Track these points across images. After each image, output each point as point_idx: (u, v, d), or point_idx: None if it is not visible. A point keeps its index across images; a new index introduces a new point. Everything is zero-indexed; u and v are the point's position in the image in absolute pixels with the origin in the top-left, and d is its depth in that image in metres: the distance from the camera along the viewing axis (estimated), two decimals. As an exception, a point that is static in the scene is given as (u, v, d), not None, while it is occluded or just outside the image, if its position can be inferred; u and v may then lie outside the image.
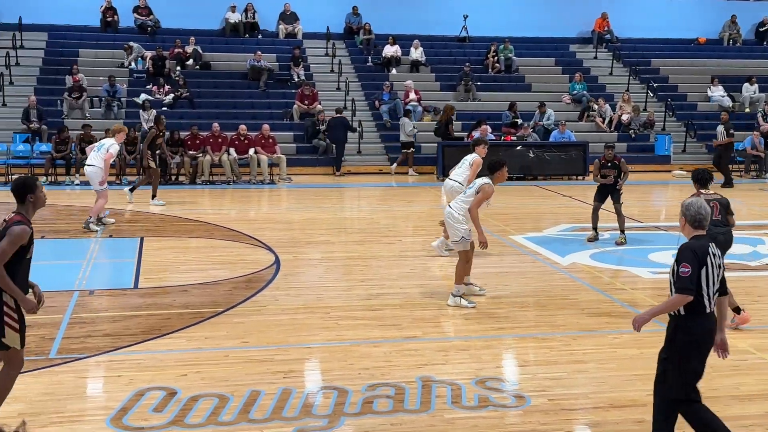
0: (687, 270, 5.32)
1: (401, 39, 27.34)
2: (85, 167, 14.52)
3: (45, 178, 19.59)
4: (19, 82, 23.84)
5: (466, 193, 9.73)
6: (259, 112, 23.97)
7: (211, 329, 8.52)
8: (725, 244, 8.71)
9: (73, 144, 20.34)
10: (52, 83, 24.05)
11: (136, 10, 27.12)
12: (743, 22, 31.13)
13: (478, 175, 10.76)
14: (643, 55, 29.31)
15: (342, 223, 15.67)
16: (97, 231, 13.61)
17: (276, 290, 10.13)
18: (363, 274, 11.07)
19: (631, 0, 29.99)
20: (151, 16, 27.17)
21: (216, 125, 21.00)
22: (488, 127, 22.55)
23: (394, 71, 26.54)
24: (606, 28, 29.72)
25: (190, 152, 20.57)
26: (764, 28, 31.03)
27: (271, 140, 21.24)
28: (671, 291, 5.46)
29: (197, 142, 20.69)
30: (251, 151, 20.82)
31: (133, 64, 25.28)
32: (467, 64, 26.49)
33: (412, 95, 24.61)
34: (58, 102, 23.07)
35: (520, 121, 23.94)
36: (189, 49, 25.68)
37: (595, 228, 13.38)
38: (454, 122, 22.85)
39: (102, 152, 14.11)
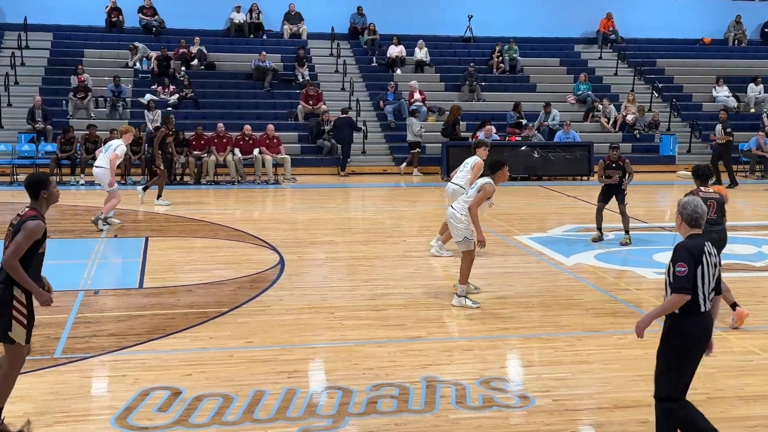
0: (683, 269, 5.30)
1: (406, 39, 27.34)
2: (94, 168, 14.62)
3: (50, 178, 19.62)
4: (24, 82, 23.89)
5: (468, 193, 9.74)
6: (264, 113, 23.99)
7: (216, 329, 8.53)
8: (720, 242, 8.69)
9: (78, 144, 20.39)
10: (57, 83, 24.09)
11: (141, 10, 27.17)
12: (748, 22, 31.09)
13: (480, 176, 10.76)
14: (648, 56, 29.26)
15: (346, 223, 15.68)
16: (102, 230, 13.66)
17: (280, 290, 10.14)
18: (367, 275, 11.07)
19: (636, 0, 29.95)
20: (156, 17, 27.22)
21: (221, 125, 21.02)
22: (493, 127, 22.55)
23: (398, 71, 26.54)
24: (611, 28, 29.68)
25: (195, 152, 20.59)
26: (770, 29, 31.01)
27: (275, 140, 21.26)
28: (666, 291, 5.46)
29: (202, 142, 20.71)
30: (256, 151, 20.84)
31: (138, 64, 25.33)
32: (472, 64, 26.48)
33: (417, 95, 24.61)
34: (63, 102, 23.12)
35: (524, 121, 23.92)
36: (194, 49, 25.72)
37: (599, 228, 13.36)
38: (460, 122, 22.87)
39: (109, 153, 14.17)
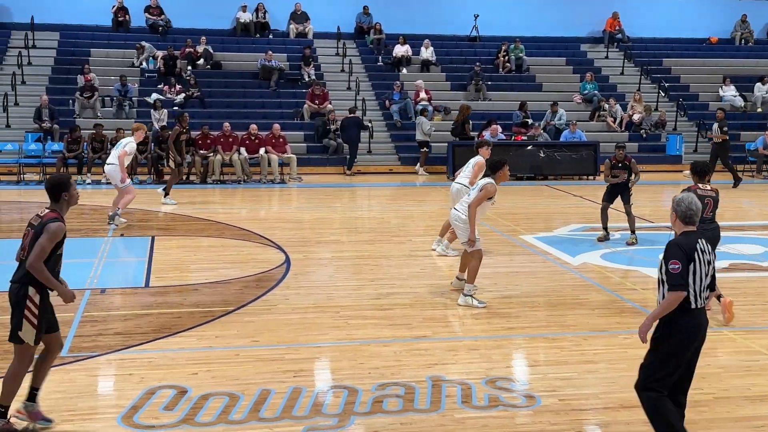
0: (677, 266, 5.30)
1: (412, 39, 27.34)
2: (105, 166, 14.79)
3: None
4: (31, 81, 23.96)
5: (470, 194, 9.75)
6: (270, 112, 24.01)
7: (222, 328, 8.54)
8: (713, 240, 8.71)
9: (85, 143, 20.43)
10: (63, 83, 24.15)
11: (147, 9, 27.22)
12: (756, 21, 31.01)
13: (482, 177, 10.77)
14: (654, 55, 29.20)
15: (352, 222, 15.68)
16: (116, 227, 13.74)
17: (286, 289, 10.15)
18: (373, 274, 11.07)
19: (642, -1, 29.95)
20: (163, 16, 27.26)
21: (227, 125, 21.04)
22: (499, 126, 22.55)
23: (404, 71, 26.53)
24: (617, 28, 29.64)
25: (201, 151, 20.61)
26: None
27: (281, 140, 21.27)
28: (658, 289, 5.45)
29: (208, 141, 20.74)
30: (262, 150, 20.86)
31: (144, 63, 25.38)
32: (478, 63, 26.47)
33: (423, 95, 24.60)
34: (70, 101, 23.18)
35: (530, 120, 23.90)
36: (200, 48, 25.75)
37: (605, 228, 13.34)
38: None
39: (119, 150, 14.26)
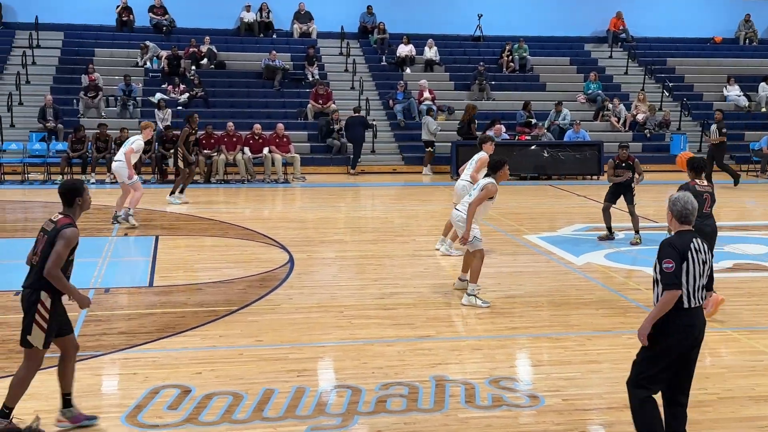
0: (670, 266, 5.29)
1: (415, 38, 27.33)
2: (113, 164, 14.82)
3: (61, 177, 19.72)
4: (35, 81, 24.01)
5: (471, 194, 9.75)
6: (274, 112, 24.03)
7: (226, 327, 8.55)
8: (711, 235, 8.76)
9: (89, 143, 20.47)
10: (68, 82, 24.20)
11: (151, 9, 27.26)
12: (759, 21, 30.95)
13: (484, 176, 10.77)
14: (658, 55, 29.16)
15: (356, 222, 15.69)
16: (135, 226, 13.79)
17: (290, 289, 10.15)
18: (377, 273, 11.08)
19: (646, -1, 29.91)
20: (167, 16, 27.29)
21: (231, 124, 21.06)
22: (502, 126, 22.54)
23: (408, 71, 26.53)
24: (621, 27, 29.60)
25: (205, 151, 20.62)
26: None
27: (285, 139, 21.29)
28: (654, 288, 5.45)
29: (212, 141, 20.76)
30: (266, 150, 20.87)
31: (148, 63, 25.41)
32: (481, 63, 26.45)
33: (426, 95, 24.60)
34: (74, 101, 23.22)
35: (534, 120, 23.88)
36: (204, 48, 25.78)
37: (608, 228, 13.33)
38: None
39: (126, 147, 14.31)
